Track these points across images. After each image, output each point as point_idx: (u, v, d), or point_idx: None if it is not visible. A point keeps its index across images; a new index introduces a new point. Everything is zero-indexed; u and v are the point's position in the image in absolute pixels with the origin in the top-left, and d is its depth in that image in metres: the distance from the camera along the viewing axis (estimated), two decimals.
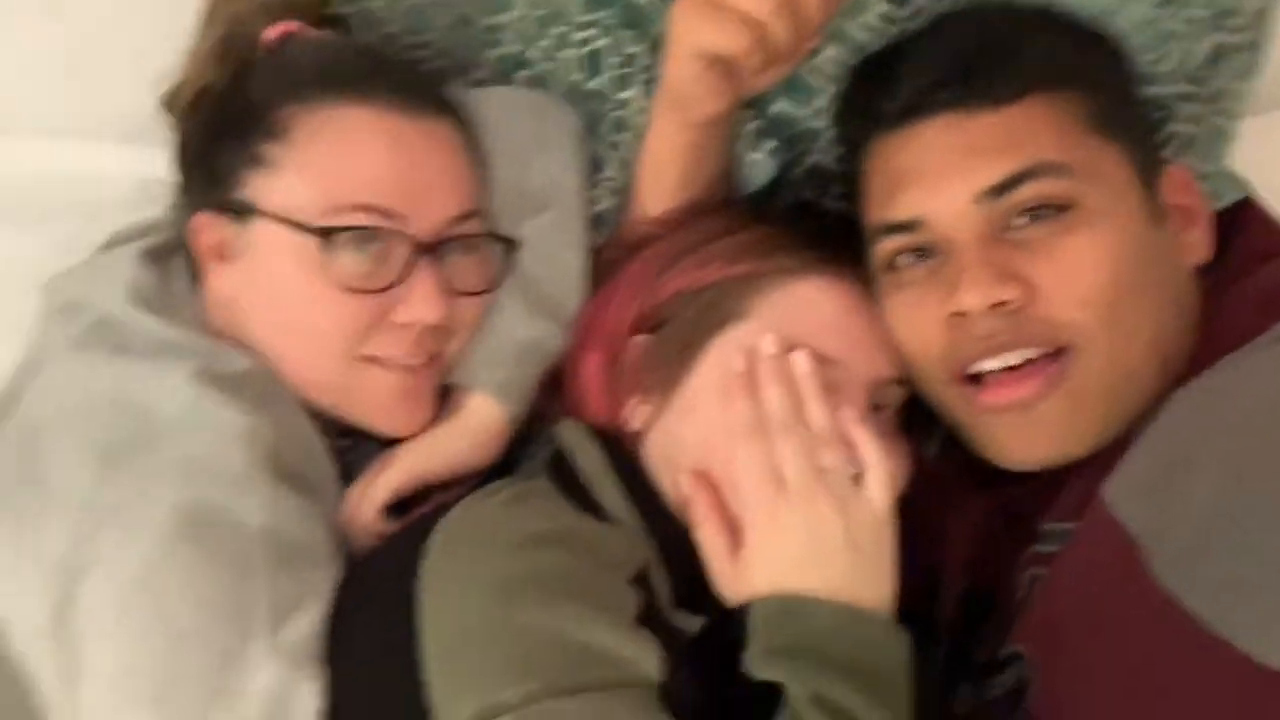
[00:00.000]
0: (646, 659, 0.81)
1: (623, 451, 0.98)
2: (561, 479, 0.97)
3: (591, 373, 1.02)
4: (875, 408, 0.97)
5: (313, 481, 0.97)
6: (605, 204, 1.11)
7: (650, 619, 0.85)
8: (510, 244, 1.04)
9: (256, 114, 0.98)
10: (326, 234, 0.94)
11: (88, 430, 0.93)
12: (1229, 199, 1.11)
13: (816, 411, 0.89)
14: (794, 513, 0.86)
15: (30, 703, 0.91)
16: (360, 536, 0.99)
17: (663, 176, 1.07)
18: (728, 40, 0.90)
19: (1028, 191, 0.90)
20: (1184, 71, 1.02)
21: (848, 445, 0.89)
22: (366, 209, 0.95)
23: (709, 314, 0.97)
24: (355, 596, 0.91)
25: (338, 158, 0.97)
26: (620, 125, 1.12)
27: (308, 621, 0.89)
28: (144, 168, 1.20)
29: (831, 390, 0.92)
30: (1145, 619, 0.78)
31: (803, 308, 0.96)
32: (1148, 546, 0.79)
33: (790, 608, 0.84)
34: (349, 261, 0.95)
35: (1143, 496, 0.82)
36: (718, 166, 1.08)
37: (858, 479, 0.88)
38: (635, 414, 0.99)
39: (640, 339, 1.00)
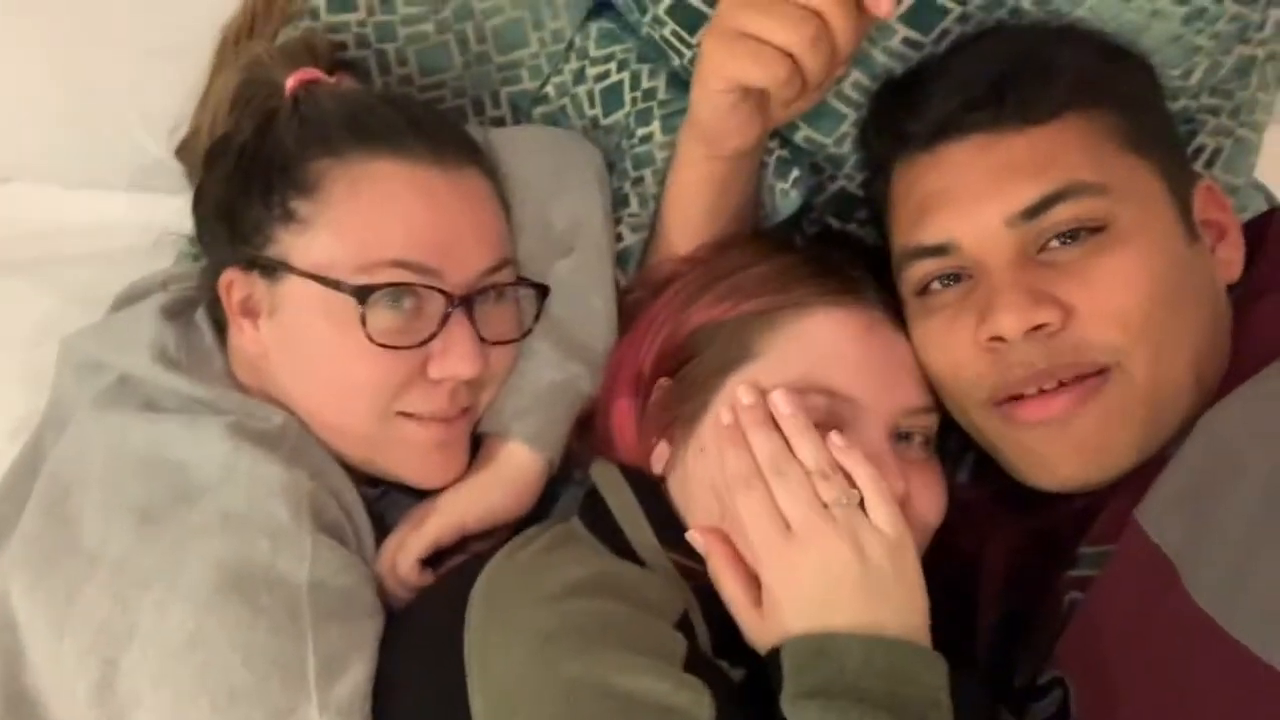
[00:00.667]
0: (697, 705, 0.79)
1: (654, 494, 0.97)
2: (595, 522, 0.96)
3: (621, 415, 1.01)
4: (903, 437, 0.95)
5: (349, 534, 0.96)
6: (628, 240, 1.10)
7: (698, 663, 0.83)
8: (541, 289, 1.03)
9: (286, 168, 0.96)
10: (363, 293, 0.93)
11: (121, 490, 0.91)
12: (1255, 209, 1.11)
13: (806, 448, 0.87)
14: (804, 553, 0.84)
15: None
16: (397, 590, 0.98)
17: (690, 211, 1.06)
18: (762, 72, 0.89)
19: (1062, 213, 0.89)
20: (1210, 84, 1.03)
21: (846, 475, 0.87)
22: (402, 265, 0.94)
23: (723, 353, 0.96)
24: (403, 650, 0.90)
25: (371, 213, 0.95)
26: (641, 161, 1.11)
27: (357, 677, 0.87)
28: (155, 215, 1.20)
29: (844, 423, 0.91)
30: (1185, 642, 0.77)
31: (814, 343, 0.95)
32: (1184, 568, 0.78)
33: (820, 647, 0.82)
34: (383, 318, 0.94)
35: (1177, 516, 0.81)
36: (745, 198, 1.08)
37: (864, 505, 0.86)
38: (658, 456, 0.98)
39: (664, 381, 0.99)
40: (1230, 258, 0.96)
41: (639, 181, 1.11)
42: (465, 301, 0.96)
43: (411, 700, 0.87)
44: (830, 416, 0.91)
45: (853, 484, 0.86)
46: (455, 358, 0.95)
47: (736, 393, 0.92)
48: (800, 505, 0.85)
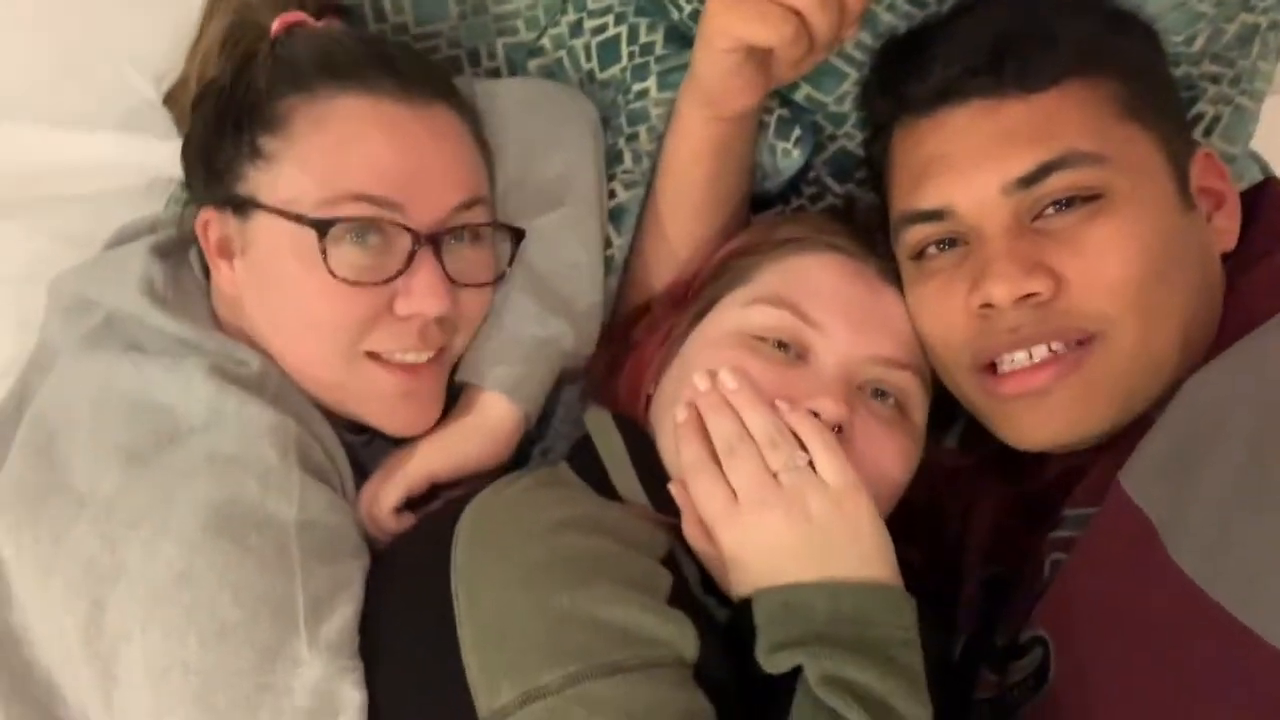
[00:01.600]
0: (682, 637, 0.81)
1: (643, 441, 0.98)
2: (582, 466, 0.97)
3: (649, 370, 1.02)
4: (878, 394, 0.96)
5: (333, 476, 0.96)
6: (622, 197, 1.09)
7: (683, 598, 0.85)
8: (516, 234, 1.03)
9: (257, 107, 0.96)
10: (324, 225, 0.93)
11: (108, 431, 0.91)
12: (1250, 179, 1.11)
13: (754, 419, 0.89)
14: (751, 524, 0.86)
15: (59, 714, 0.90)
16: (377, 534, 0.98)
17: (691, 172, 1.05)
18: (770, 32, 0.88)
19: (1058, 181, 0.89)
20: (1212, 51, 1.02)
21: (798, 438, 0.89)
22: (364, 199, 0.93)
23: (717, 284, 0.99)
24: (389, 587, 0.91)
25: (335, 148, 0.95)
26: (636, 117, 1.10)
27: (345, 614, 0.88)
28: (147, 158, 1.18)
29: (806, 349, 0.93)
30: (1165, 603, 0.78)
31: (800, 273, 0.97)
32: (1166, 530, 0.79)
33: (786, 600, 0.84)
34: (349, 254, 0.93)
35: (1160, 479, 0.82)
36: (744, 159, 1.07)
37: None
38: (650, 384, 1.00)
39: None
40: (1226, 226, 0.96)
41: (633, 138, 1.10)
42: (433, 239, 0.95)
43: (400, 635, 0.87)
44: (791, 336, 0.94)
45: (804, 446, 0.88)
46: (420, 295, 0.95)
47: (692, 379, 0.93)
48: (746, 478, 0.87)
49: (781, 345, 0.94)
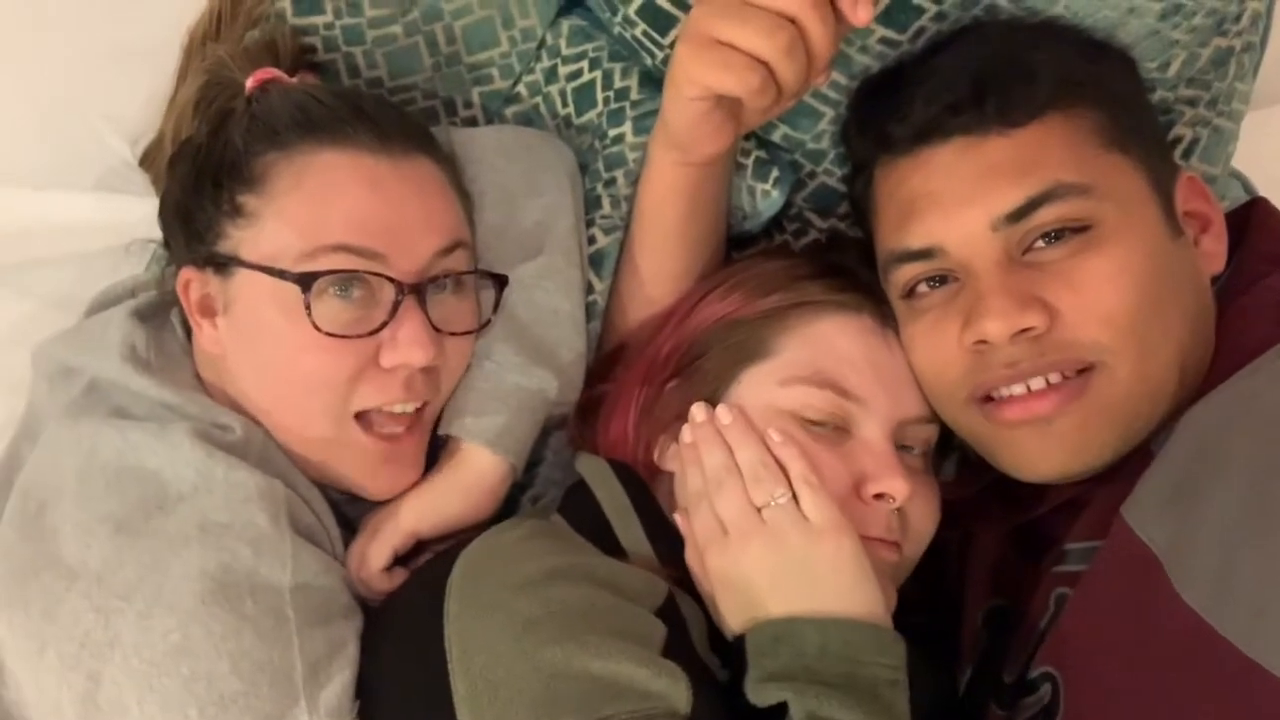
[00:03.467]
0: (673, 690, 0.80)
1: (643, 490, 0.97)
2: (579, 516, 0.96)
3: (625, 412, 1.01)
4: (903, 447, 0.97)
5: (321, 537, 0.96)
6: (601, 243, 1.09)
7: (679, 650, 0.84)
8: (500, 280, 1.02)
9: (235, 165, 0.96)
10: (307, 279, 0.92)
11: (96, 501, 0.90)
12: (1233, 198, 1.11)
13: (745, 454, 0.91)
14: (735, 555, 0.88)
15: None
16: (367, 594, 0.97)
17: (663, 215, 1.05)
18: (736, 81, 0.87)
19: (1046, 215, 0.89)
20: (1187, 76, 1.02)
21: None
22: (346, 250, 0.93)
23: (737, 349, 0.98)
24: (383, 644, 0.90)
25: (315, 202, 0.94)
26: (613, 162, 1.10)
27: (343, 678, 0.87)
28: (127, 216, 1.18)
29: (850, 423, 0.94)
30: (1174, 639, 0.77)
31: (827, 343, 0.97)
32: (1171, 564, 0.78)
33: (777, 633, 0.85)
34: (332, 308, 0.93)
35: (1163, 513, 0.81)
36: (718, 201, 1.07)
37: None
38: (666, 453, 0.99)
39: (673, 381, 1.00)
40: (1214, 249, 0.96)
41: (611, 183, 1.10)
42: (416, 289, 0.95)
43: (396, 693, 0.87)
44: (837, 415, 0.95)
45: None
46: (407, 344, 0.94)
47: (691, 411, 0.95)
48: (733, 510, 0.89)
49: (819, 422, 0.95)
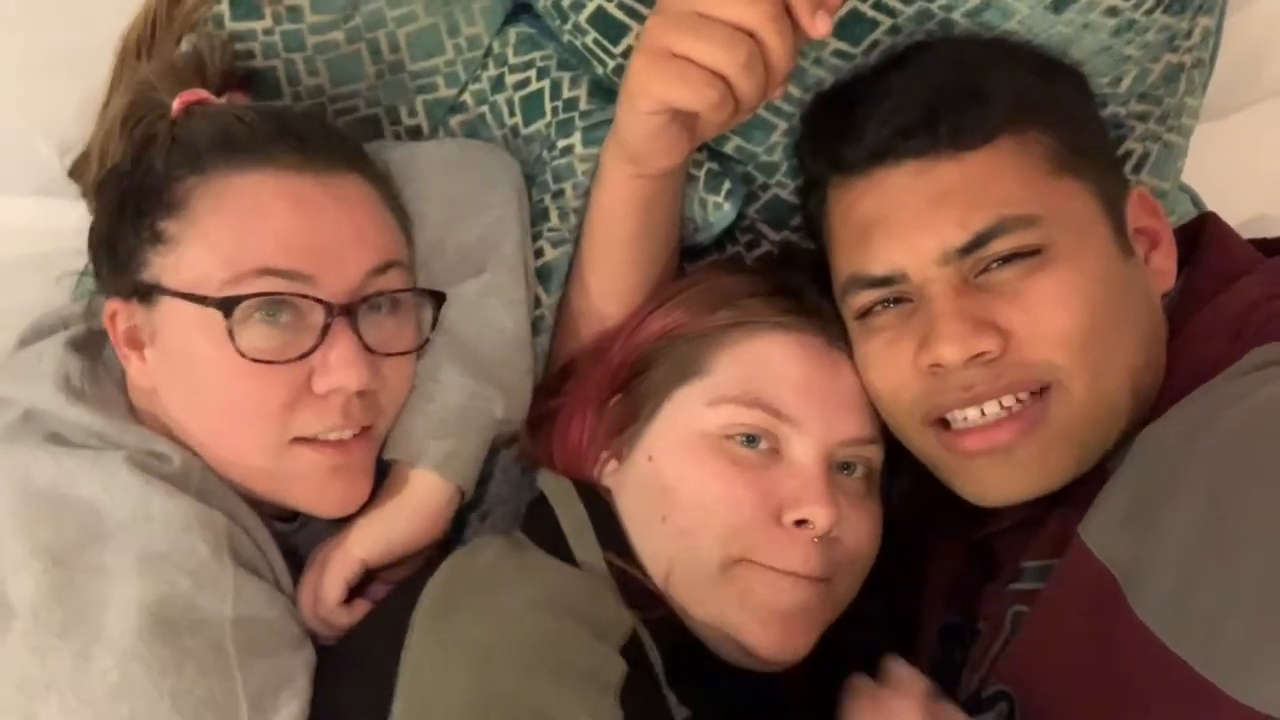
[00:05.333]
0: None
1: (602, 507, 0.96)
2: (540, 533, 0.95)
3: (579, 428, 1.00)
4: (845, 466, 0.95)
5: (263, 568, 0.93)
6: (549, 256, 1.07)
7: (637, 688, 0.82)
8: (437, 297, 0.99)
9: (156, 191, 0.93)
10: (229, 305, 0.89)
11: (31, 531, 0.87)
12: (1182, 213, 1.11)
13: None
14: None
15: None
16: (326, 631, 0.95)
17: (615, 229, 1.03)
18: (694, 95, 0.85)
19: (997, 246, 0.89)
20: (1138, 91, 1.02)
21: None
22: (271, 273, 0.90)
23: (673, 369, 0.97)
24: (341, 679, 0.88)
25: (237, 225, 0.91)
26: (561, 174, 1.08)
27: (291, 710, 0.85)
28: (65, 221, 1.12)
29: (781, 443, 0.93)
30: (1130, 657, 0.77)
31: (761, 363, 0.95)
32: (1128, 584, 0.79)
33: None
34: (259, 334, 0.90)
35: (1120, 532, 0.82)
36: (671, 214, 1.05)
37: None
38: (609, 471, 0.98)
39: (617, 397, 0.99)
40: (1164, 267, 0.96)
41: (559, 195, 1.08)
42: (348, 310, 0.92)
43: None
44: (769, 434, 0.93)
45: None
46: (338, 368, 0.91)
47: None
48: None
49: (751, 440, 0.93)
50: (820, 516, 0.90)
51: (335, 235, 0.93)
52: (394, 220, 0.99)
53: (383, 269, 0.95)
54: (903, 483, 1.07)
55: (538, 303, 1.06)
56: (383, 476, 0.99)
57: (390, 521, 0.97)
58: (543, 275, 1.07)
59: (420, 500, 0.97)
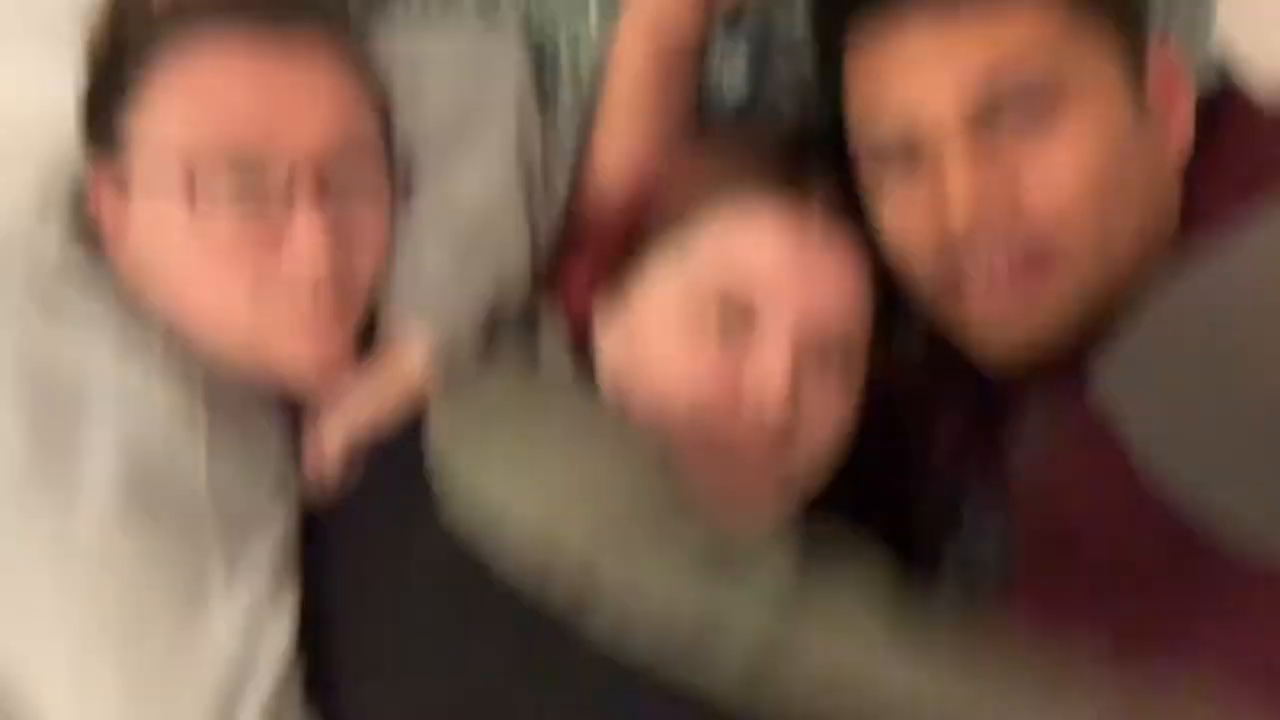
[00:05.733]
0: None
1: (587, 354, 0.99)
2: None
3: (577, 288, 1.02)
4: (823, 352, 0.95)
5: (253, 438, 0.94)
6: (560, 131, 1.07)
7: None
8: (406, 170, 0.98)
9: (120, 74, 0.92)
10: (189, 196, 0.89)
11: (16, 398, 0.88)
12: (1208, 74, 1.09)
13: None
14: None
15: None
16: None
17: (632, 105, 1.03)
18: None
19: (1014, 100, 0.88)
20: None
21: None
22: (229, 157, 0.89)
23: (657, 243, 0.98)
24: (345, 538, 0.90)
25: (189, 108, 0.90)
26: (576, 44, 1.07)
27: (264, 546, 0.88)
28: None
29: (754, 315, 0.93)
30: (1126, 505, 0.80)
31: (743, 238, 0.95)
32: (1130, 433, 0.79)
33: None
34: (222, 221, 0.89)
35: (1126, 384, 0.82)
36: (688, 90, 1.05)
37: None
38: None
39: (605, 274, 1.01)
40: (1180, 125, 0.94)
41: (574, 70, 1.08)
42: (310, 188, 0.90)
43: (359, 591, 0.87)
44: (744, 309, 0.93)
45: None
46: (302, 251, 0.90)
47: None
48: None
49: (719, 318, 0.93)
50: (774, 390, 0.91)
51: (294, 102, 0.91)
52: (363, 86, 0.97)
53: (349, 143, 0.93)
54: (910, 350, 1.08)
55: (546, 181, 1.06)
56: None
57: (383, 391, 0.95)
58: (552, 152, 1.07)
59: (411, 369, 0.96)
